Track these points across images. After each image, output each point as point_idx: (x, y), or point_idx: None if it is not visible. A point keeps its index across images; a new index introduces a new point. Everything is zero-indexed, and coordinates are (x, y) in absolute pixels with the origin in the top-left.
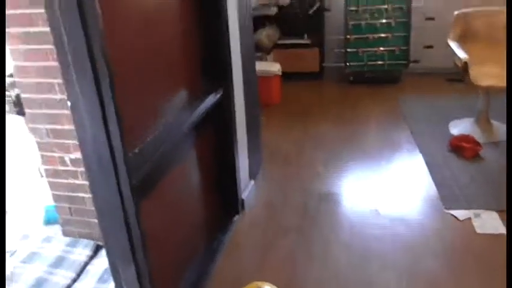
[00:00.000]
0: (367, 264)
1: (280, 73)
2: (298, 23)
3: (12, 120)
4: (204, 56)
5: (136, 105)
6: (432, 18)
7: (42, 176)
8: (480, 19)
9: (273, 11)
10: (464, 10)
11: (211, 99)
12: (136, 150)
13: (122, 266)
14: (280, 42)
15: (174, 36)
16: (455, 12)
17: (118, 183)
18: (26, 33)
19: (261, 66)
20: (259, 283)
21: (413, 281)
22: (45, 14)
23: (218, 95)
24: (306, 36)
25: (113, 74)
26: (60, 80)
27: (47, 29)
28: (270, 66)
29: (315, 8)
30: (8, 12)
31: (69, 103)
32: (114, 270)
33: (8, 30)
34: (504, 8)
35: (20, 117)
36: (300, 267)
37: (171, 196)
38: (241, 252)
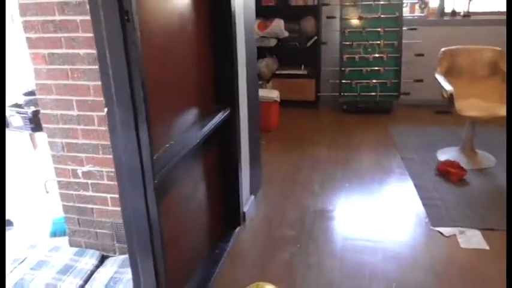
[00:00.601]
0: (359, 275)
1: (278, 100)
2: (296, 55)
3: (24, 136)
4: (214, 78)
5: (158, 117)
6: (421, 54)
7: (47, 192)
8: (464, 56)
9: (273, 42)
10: (450, 47)
11: (219, 117)
12: (155, 157)
13: (141, 257)
14: (278, 72)
15: (190, 61)
16: (442, 49)
17: (144, 183)
18: (50, 55)
19: (261, 92)
20: (262, 283)
21: None
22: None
23: (225, 114)
24: (303, 67)
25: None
26: (77, 97)
27: (70, 50)
28: (269, 93)
29: (312, 41)
30: (35, 35)
31: (105, 109)
32: (133, 262)
33: (34, 51)
34: (487, 46)
35: (34, 133)
36: (297, 275)
37: (180, 204)
38: (243, 261)
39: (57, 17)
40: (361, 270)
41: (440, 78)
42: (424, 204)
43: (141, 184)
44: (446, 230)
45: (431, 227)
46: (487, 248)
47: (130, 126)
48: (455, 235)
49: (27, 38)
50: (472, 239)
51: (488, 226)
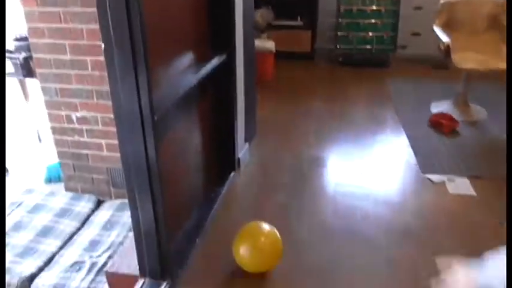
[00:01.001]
0: (351, 216)
1: (274, 50)
2: (292, 6)
3: (14, 83)
4: (212, 24)
5: (155, 58)
6: (420, 8)
7: (40, 140)
8: (464, 9)
9: None
10: (449, 0)
11: (215, 62)
12: (154, 97)
13: (139, 196)
14: (274, 23)
15: (188, 4)
16: (441, 1)
17: (142, 123)
18: None
19: (256, 43)
20: (257, 222)
21: (391, 231)
22: None
23: (222, 59)
24: (299, 18)
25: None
26: (70, 41)
27: None
28: (264, 43)
29: None
30: None
31: (102, 45)
32: (132, 200)
33: None
34: None
35: (25, 80)
36: (291, 215)
37: (177, 147)
38: (237, 203)
39: None
40: (353, 212)
41: (438, 30)
42: (415, 153)
43: (140, 123)
44: (435, 177)
45: (421, 174)
46: (474, 194)
47: (128, 65)
48: (444, 182)
49: None
50: (460, 185)
51: (477, 174)
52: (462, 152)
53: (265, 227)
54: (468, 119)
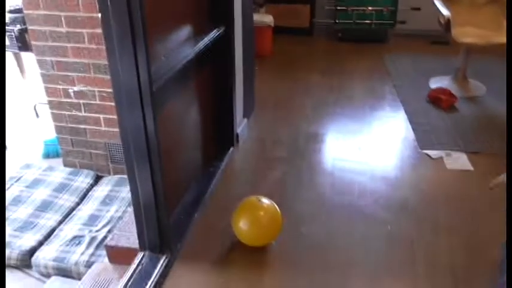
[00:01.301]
0: (348, 191)
1: (272, 25)
2: None
3: (9, 57)
4: None
5: (153, 28)
6: None
7: (38, 116)
8: None
9: None
10: None
11: (214, 34)
12: (152, 68)
13: (138, 168)
14: None
15: None
16: None
17: (140, 94)
18: None
19: (254, 17)
20: (257, 197)
21: (388, 205)
22: None
23: (220, 31)
24: None
25: None
26: (66, 13)
27: None
28: (263, 17)
29: None
30: None
31: (100, 15)
32: (131, 173)
33: None
34: None
35: (20, 54)
36: (289, 190)
37: (176, 120)
38: (236, 178)
39: None
40: (351, 187)
41: (438, 4)
42: (413, 129)
43: (138, 95)
44: (433, 153)
45: (419, 150)
46: (472, 169)
47: (126, 35)
48: (442, 157)
49: None
50: (458, 160)
51: (475, 150)
52: (460, 128)
53: (265, 201)
54: (467, 95)
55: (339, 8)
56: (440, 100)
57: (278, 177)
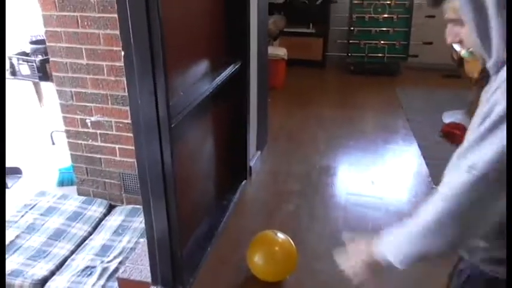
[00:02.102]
0: (362, 227)
1: (286, 57)
2: (304, 13)
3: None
4: (227, 31)
5: (173, 65)
6: (433, 16)
7: (54, 143)
8: None
9: None
10: None
11: (230, 70)
12: (170, 104)
13: (154, 202)
14: (286, 30)
15: (205, 11)
16: None
17: (159, 129)
18: (61, 0)
19: (269, 49)
20: (273, 231)
21: None
22: None
23: (236, 67)
24: (311, 25)
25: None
26: (87, 46)
27: None
28: (277, 50)
29: None
30: None
31: (122, 53)
32: (147, 207)
33: None
34: None
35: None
36: (302, 224)
37: (191, 153)
38: (249, 211)
39: None
40: (364, 223)
41: None
42: (427, 164)
43: (156, 129)
44: None
45: (433, 186)
46: None
47: (147, 72)
48: None
49: None
50: None
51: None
52: None
53: (280, 235)
54: None
55: (351, 41)
56: (454, 135)
57: (291, 211)
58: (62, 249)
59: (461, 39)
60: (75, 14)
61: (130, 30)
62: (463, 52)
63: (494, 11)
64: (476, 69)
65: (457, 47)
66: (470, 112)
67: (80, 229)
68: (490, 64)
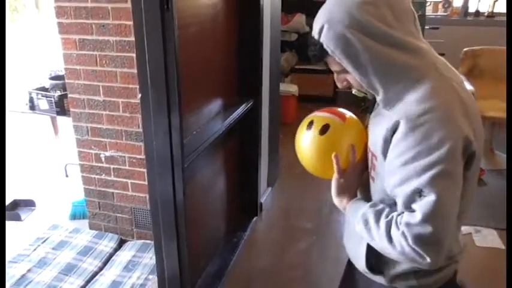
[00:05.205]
0: None
1: (297, 94)
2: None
3: (46, 120)
4: (240, 70)
5: (187, 105)
6: (443, 54)
7: (67, 176)
8: (487, 57)
9: (293, 37)
10: (472, 48)
11: (243, 108)
12: (184, 142)
13: (166, 240)
14: (297, 67)
15: (219, 51)
16: (464, 49)
17: (172, 168)
18: (81, 40)
19: (280, 86)
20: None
21: None
22: (98, 25)
23: (249, 105)
24: (322, 62)
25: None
26: (104, 83)
27: (100, 37)
28: (288, 87)
29: None
30: (67, 21)
31: (139, 95)
32: (158, 245)
33: (65, 36)
34: None
35: (56, 117)
36: (314, 264)
37: (202, 191)
38: (259, 249)
39: (90, 4)
40: None
41: (461, 77)
42: None
43: (170, 168)
44: (462, 228)
45: None
46: (503, 247)
47: (163, 112)
48: (471, 233)
49: (59, 23)
50: (488, 237)
51: (504, 226)
52: (489, 202)
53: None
54: (494, 168)
55: None
56: None
57: (302, 250)
58: (72, 284)
59: (350, 84)
60: (94, 53)
61: (148, 74)
62: (354, 91)
63: (371, 68)
64: (488, 108)
65: (467, 84)
66: (484, 150)
67: (90, 264)
68: (380, 98)
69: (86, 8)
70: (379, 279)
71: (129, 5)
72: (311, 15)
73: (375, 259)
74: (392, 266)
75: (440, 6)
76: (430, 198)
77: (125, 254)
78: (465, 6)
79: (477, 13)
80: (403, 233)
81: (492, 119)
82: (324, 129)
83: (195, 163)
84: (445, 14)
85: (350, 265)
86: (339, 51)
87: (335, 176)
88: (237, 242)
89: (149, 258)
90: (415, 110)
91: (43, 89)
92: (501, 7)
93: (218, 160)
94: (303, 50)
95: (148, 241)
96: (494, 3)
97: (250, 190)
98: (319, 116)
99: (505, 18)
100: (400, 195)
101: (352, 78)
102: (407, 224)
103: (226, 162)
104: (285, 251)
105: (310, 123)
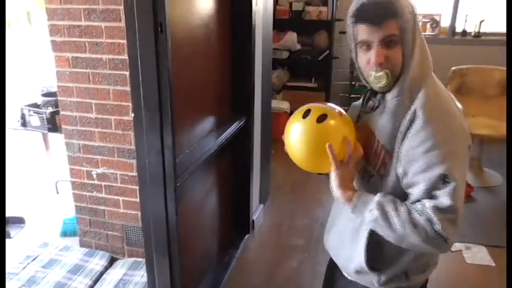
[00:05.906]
0: None
1: (288, 111)
2: (307, 68)
3: (37, 136)
4: (232, 88)
5: (180, 123)
6: None
7: (58, 193)
8: (475, 75)
9: (285, 55)
10: (460, 66)
11: (235, 126)
12: (177, 161)
13: (157, 258)
14: (289, 84)
15: (212, 70)
16: (452, 68)
17: (165, 186)
18: (74, 58)
19: (272, 103)
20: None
21: None
22: (92, 43)
23: (241, 123)
24: (313, 80)
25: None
26: (97, 101)
27: (93, 55)
28: (280, 104)
29: (324, 55)
30: (60, 39)
31: (132, 115)
32: (149, 263)
33: (58, 54)
34: (497, 67)
35: (47, 134)
36: (306, 282)
37: (194, 209)
38: (251, 267)
39: (83, 22)
40: None
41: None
42: None
43: (162, 187)
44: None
45: None
46: (493, 264)
47: (156, 131)
48: (461, 250)
49: (52, 41)
50: (478, 254)
51: (494, 243)
52: (478, 219)
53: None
54: (483, 185)
55: (352, 95)
56: None
57: (294, 268)
58: None
59: (385, 63)
60: (87, 70)
61: (142, 94)
62: (378, 74)
63: (418, 50)
64: (477, 126)
65: (456, 102)
66: (472, 167)
67: (80, 283)
68: (402, 86)
69: (79, 27)
70: (366, 282)
71: (122, 24)
72: (302, 33)
73: (375, 257)
74: (393, 264)
75: (428, 26)
76: (453, 184)
77: (116, 272)
78: (452, 26)
79: (464, 33)
80: (428, 219)
81: (480, 136)
82: (321, 119)
83: (187, 181)
84: (433, 33)
85: (331, 269)
86: (412, 17)
87: (333, 167)
88: (229, 260)
89: (140, 276)
90: (433, 101)
91: (35, 105)
92: (487, 27)
93: (210, 177)
94: (295, 67)
95: (140, 259)
96: (480, 24)
97: (242, 207)
98: (316, 106)
99: (491, 38)
100: (422, 181)
101: (393, 55)
102: (436, 210)
103: (218, 180)
104: (277, 269)
105: (307, 112)
